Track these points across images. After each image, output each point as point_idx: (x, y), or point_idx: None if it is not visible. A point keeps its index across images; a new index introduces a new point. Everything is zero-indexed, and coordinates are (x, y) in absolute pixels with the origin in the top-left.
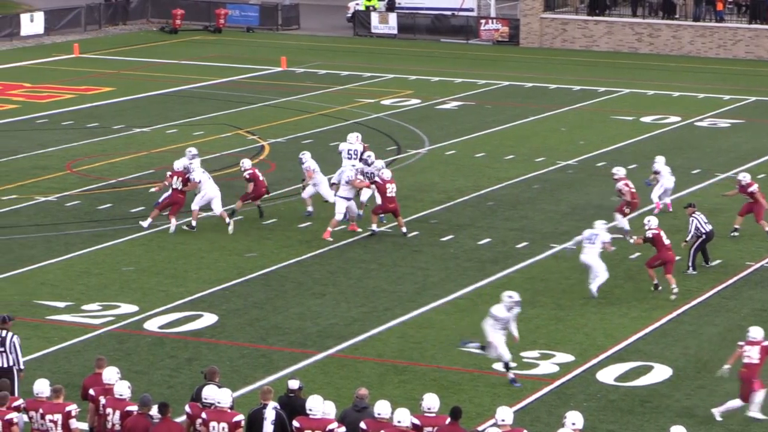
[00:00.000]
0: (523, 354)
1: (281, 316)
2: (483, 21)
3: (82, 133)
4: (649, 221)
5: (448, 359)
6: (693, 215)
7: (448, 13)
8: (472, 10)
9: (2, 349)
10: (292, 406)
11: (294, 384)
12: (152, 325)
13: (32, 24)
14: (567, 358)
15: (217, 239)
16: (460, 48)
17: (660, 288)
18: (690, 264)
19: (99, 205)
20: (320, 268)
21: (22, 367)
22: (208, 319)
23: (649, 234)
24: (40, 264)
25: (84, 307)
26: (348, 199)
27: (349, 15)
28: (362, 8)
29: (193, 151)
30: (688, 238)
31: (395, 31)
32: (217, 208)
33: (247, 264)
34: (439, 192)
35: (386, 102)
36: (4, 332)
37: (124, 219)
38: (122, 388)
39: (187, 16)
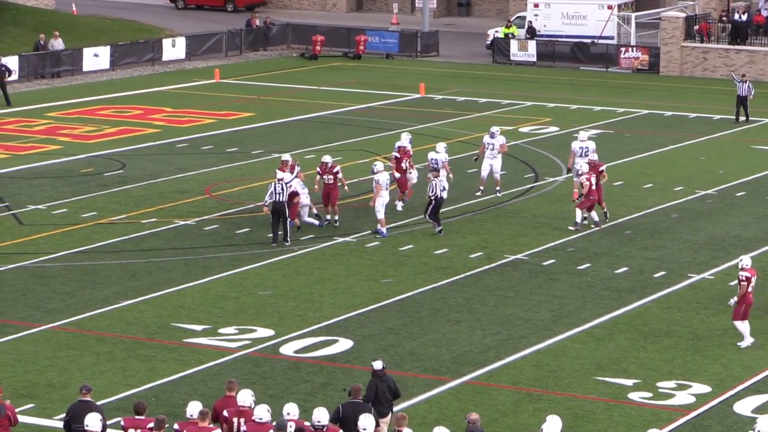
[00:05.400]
0: (659, 384)
1: (416, 342)
2: (623, 49)
3: (221, 157)
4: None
5: (583, 388)
6: None
7: (588, 41)
8: (612, 38)
9: None
10: (387, 383)
11: (378, 364)
12: (288, 349)
13: (174, 49)
14: (704, 389)
15: (353, 265)
16: (599, 76)
17: None
18: None
19: (237, 229)
20: (456, 294)
21: None
22: (344, 344)
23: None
24: (179, 287)
25: (221, 331)
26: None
27: (488, 42)
28: (501, 36)
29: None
30: None
31: (534, 59)
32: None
33: (382, 290)
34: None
35: (524, 129)
36: None
37: (261, 243)
38: (262, 412)
39: (327, 43)
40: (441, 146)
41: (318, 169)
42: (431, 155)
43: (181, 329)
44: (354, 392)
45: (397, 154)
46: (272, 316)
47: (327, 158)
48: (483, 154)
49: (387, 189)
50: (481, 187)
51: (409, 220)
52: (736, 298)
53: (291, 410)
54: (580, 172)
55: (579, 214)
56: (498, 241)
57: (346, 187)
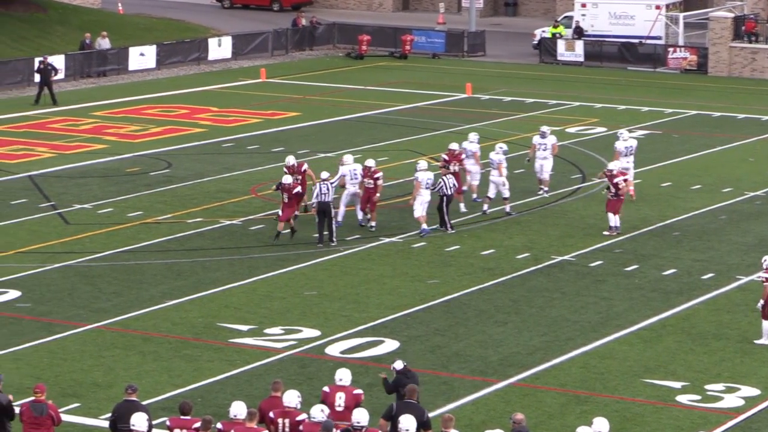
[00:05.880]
0: (707, 387)
1: (463, 343)
2: (671, 49)
3: (267, 157)
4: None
5: (630, 390)
6: None
7: (636, 41)
8: (660, 38)
9: None
10: (413, 381)
11: (399, 364)
12: (334, 350)
13: (220, 48)
14: (753, 391)
15: (399, 265)
16: (647, 76)
17: None
18: None
19: (282, 229)
20: (502, 296)
21: None
22: (390, 345)
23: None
24: (224, 287)
25: (267, 331)
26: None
27: (535, 42)
28: (549, 35)
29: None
30: None
31: (582, 59)
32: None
33: (429, 290)
34: (624, 221)
35: (571, 130)
36: None
37: (307, 243)
38: (316, 411)
39: (374, 42)
40: (473, 136)
41: (360, 171)
42: (463, 144)
43: (226, 329)
44: (408, 393)
45: (446, 156)
46: (318, 316)
47: (371, 162)
48: (534, 154)
49: (427, 188)
50: (543, 188)
51: (456, 221)
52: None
53: (343, 376)
54: (614, 172)
55: (612, 218)
56: (545, 242)
57: (378, 194)
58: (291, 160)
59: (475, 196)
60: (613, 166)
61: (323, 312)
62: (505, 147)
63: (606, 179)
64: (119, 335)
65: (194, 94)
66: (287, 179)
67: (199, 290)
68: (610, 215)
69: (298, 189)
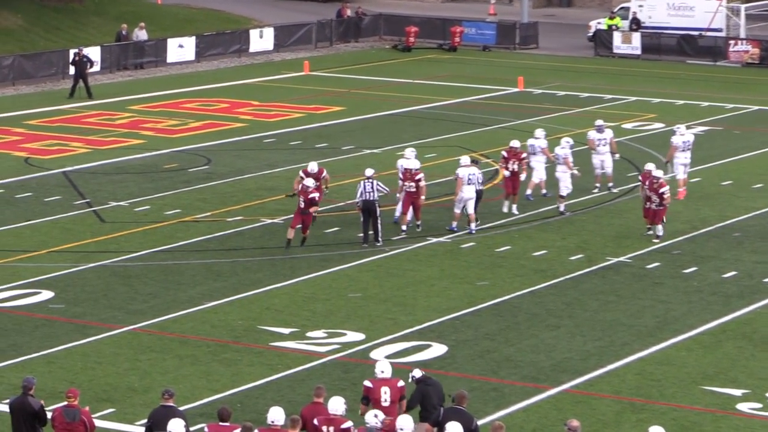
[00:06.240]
0: None
1: (513, 348)
2: (732, 42)
3: (310, 153)
4: None
5: (689, 398)
6: None
7: (696, 33)
8: (720, 30)
9: None
10: (435, 388)
11: (418, 372)
12: (379, 354)
13: (261, 40)
14: None
15: (447, 266)
16: (707, 70)
17: None
18: None
19: (326, 228)
20: (555, 298)
21: None
22: (437, 349)
23: None
24: (265, 288)
25: (309, 334)
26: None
27: (590, 34)
28: (604, 27)
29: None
30: None
31: (639, 52)
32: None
33: (478, 293)
34: (683, 222)
35: (628, 126)
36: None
37: (351, 243)
38: (370, 417)
39: (421, 34)
40: (539, 132)
41: (400, 174)
42: (528, 141)
43: (267, 332)
44: (458, 399)
45: (505, 154)
46: (362, 319)
47: (412, 164)
48: (594, 150)
49: (468, 184)
50: (607, 184)
51: (506, 221)
52: None
53: (385, 368)
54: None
55: (655, 227)
56: (599, 243)
57: (422, 197)
58: (314, 166)
59: (544, 191)
60: (657, 172)
61: (368, 315)
62: (571, 141)
63: (646, 185)
64: (156, 338)
65: (235, 88)
66: (309, 182)
67: (239, 291)
68: (655, 226)
69: (315, 194)
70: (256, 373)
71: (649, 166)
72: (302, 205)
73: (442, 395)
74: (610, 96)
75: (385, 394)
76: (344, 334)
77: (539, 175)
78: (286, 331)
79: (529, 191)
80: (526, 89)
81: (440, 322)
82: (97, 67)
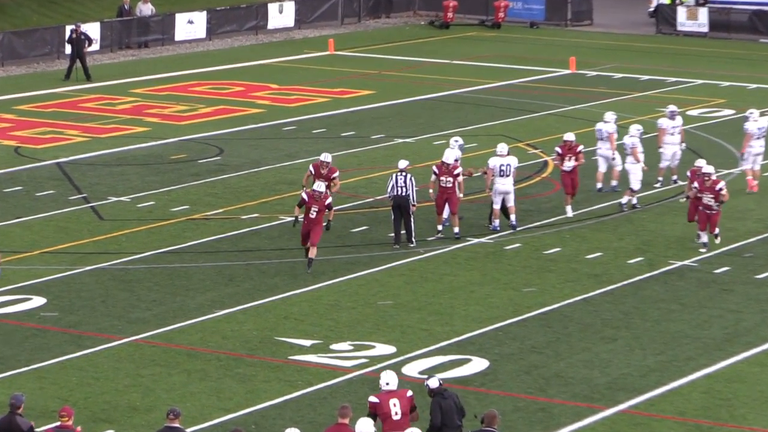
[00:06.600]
0: None
1: (564, 363)
2: None
3: (335, 143)
4: None
5: (762, 420)
6: None
7: None
8: None
9: None
10: (452, 401)
11: (435, 382)
12: (412, 369)
13: (281, 16)
14: None
15: (489, 270)
16: None
17: None
18: None
19: (353, 227)
20: (611, 307)
21: None
22: (478, 364)
23: None
24: (283, 295)
25: (333, 347)
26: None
27: (651, 9)
28: (667, 2)
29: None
30: None
31: (706, 29)
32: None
33: (524, 300)
34: (755, 220)
35: (693, 112)
36: None
37: (381, 244)
38: None
39: (461, 9)
40: (609, 115)
41: (434, 168)
42: (597, 126)
43: (286, 344)
44: (488, 419)
45: (560, 150)
46: (393, 330)
47: (450, 157)
48: (663, 140)
49: (503, 176)
50: (660, 178)
51: (556, 219)
52: None
53: (390, 380)
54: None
55: (704, 235)
56: (661, 245)
57: (461, 194)
58: (327, 156)
59: (615, 183)
60: (707, 167)
61: (399, 325)
62: (641, 128)
63: (695, 185)
64: (160, 350)
65: (251, 69)
66: (321, 187)
67: (255, 298)
68: (702, 234)
69: (330, 200)
70: (273, 390)
71: (700, 162)
72: (312, 214)
73: (462, 409)
74: (673, 79)
75: (395, 407)
76: (372, 347)
77: (602, 166)
78: (306, 343)
79: (599, 185)
80: (579, 71)
81: (481, 334)
82: (96, 46)
